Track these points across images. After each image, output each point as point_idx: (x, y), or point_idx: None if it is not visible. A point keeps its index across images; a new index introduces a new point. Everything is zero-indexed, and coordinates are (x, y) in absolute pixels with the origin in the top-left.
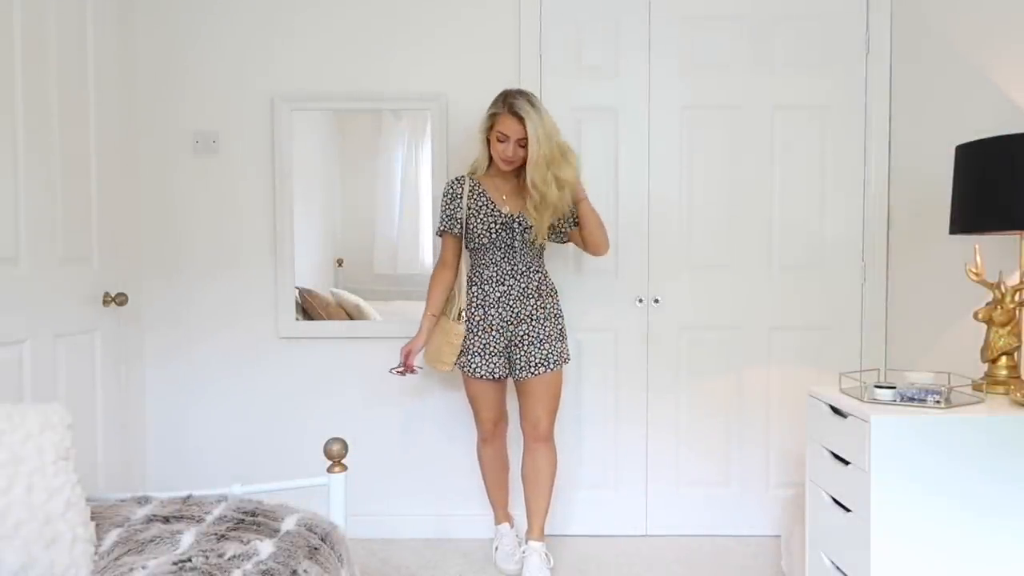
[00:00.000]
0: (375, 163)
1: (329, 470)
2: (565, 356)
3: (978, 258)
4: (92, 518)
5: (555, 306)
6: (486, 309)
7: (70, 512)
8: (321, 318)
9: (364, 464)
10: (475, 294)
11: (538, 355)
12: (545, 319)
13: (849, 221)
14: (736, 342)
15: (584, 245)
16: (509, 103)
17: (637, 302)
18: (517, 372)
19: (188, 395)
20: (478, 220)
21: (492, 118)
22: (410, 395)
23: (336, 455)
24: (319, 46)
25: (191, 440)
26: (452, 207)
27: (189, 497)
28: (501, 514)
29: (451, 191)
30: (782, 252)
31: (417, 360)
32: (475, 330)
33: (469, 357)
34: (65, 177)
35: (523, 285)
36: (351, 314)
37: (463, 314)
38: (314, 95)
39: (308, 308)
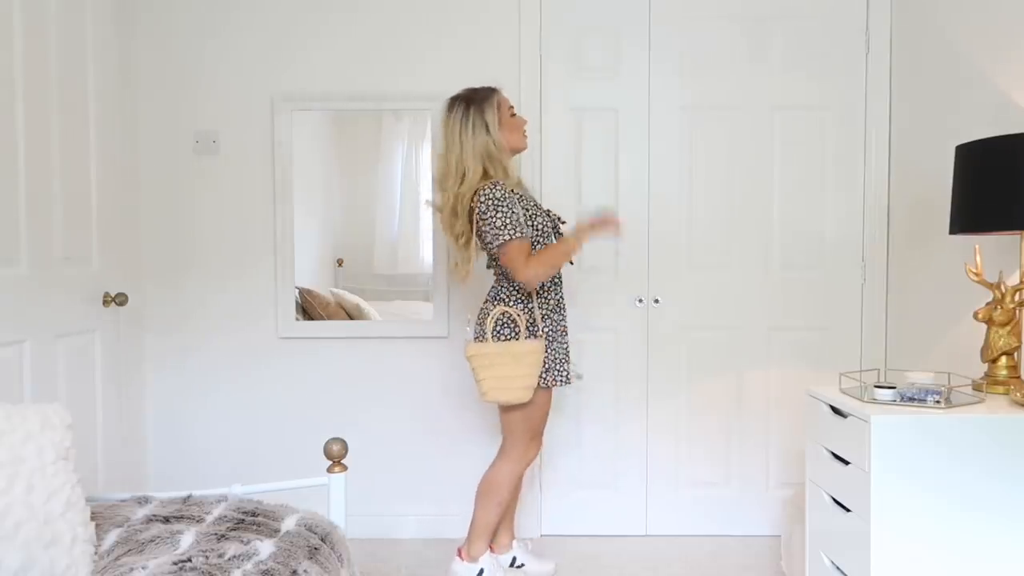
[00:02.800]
0: (375, 163)
1: (329, 470)
2: None
3: (978, 258)
4: (92, 518)
5: None
6: (561, 313)
7: (70, 512)
8: (321, 318)
9: (364, 464)
10: (546, 301)
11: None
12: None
13: (849, 221)
14: (736, 342)
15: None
16: (487, 87)
17: (637, 302)
18: (567, 378)
19: (188, 395)
20: (539, 220)
21: (498, 101)
22: (410, 395)
23: (336, 455)
24: (319, 46)
25: (191, 440)
26: (517, 212)
27: (189, 497)
28: (491, 539)
29: (507, 196)
30: (782, 252)
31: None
32: (556, 336)
33: (560, 366)
34: (65, 177)
35: (562, 288)
36: (351, 314)
37: (539, 329)
38: (314, 95)
39: (308, 308)
